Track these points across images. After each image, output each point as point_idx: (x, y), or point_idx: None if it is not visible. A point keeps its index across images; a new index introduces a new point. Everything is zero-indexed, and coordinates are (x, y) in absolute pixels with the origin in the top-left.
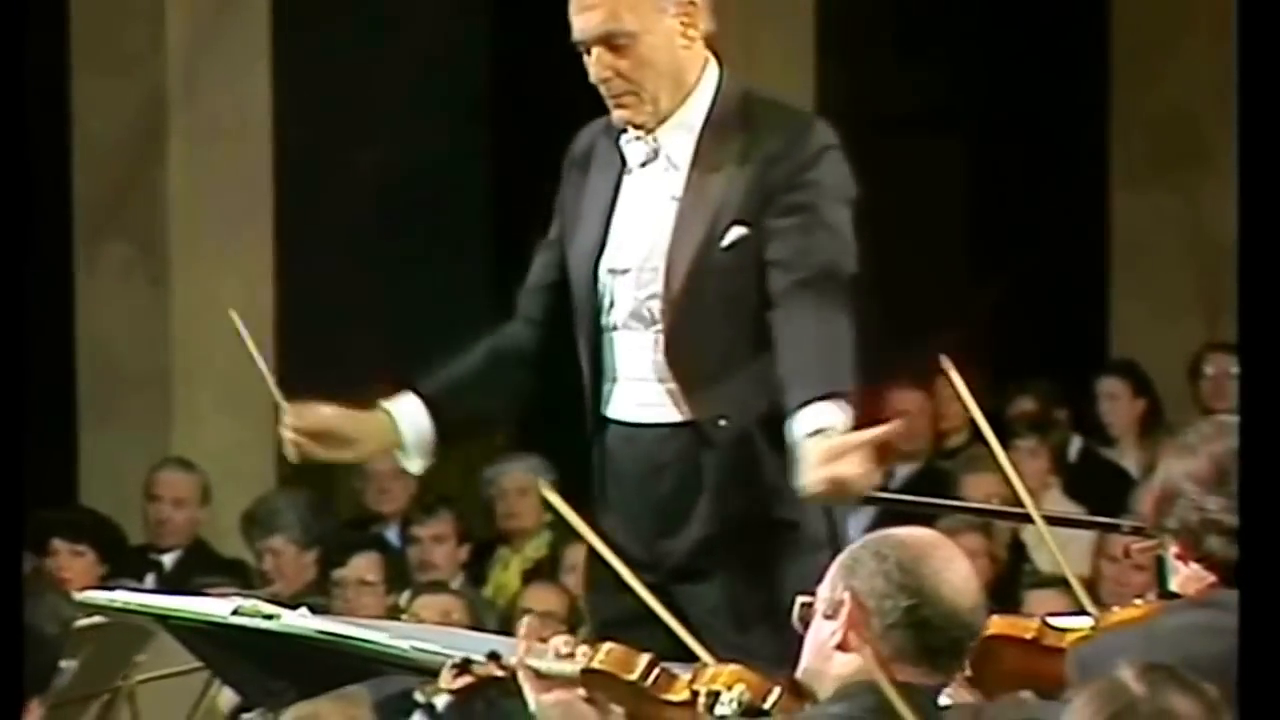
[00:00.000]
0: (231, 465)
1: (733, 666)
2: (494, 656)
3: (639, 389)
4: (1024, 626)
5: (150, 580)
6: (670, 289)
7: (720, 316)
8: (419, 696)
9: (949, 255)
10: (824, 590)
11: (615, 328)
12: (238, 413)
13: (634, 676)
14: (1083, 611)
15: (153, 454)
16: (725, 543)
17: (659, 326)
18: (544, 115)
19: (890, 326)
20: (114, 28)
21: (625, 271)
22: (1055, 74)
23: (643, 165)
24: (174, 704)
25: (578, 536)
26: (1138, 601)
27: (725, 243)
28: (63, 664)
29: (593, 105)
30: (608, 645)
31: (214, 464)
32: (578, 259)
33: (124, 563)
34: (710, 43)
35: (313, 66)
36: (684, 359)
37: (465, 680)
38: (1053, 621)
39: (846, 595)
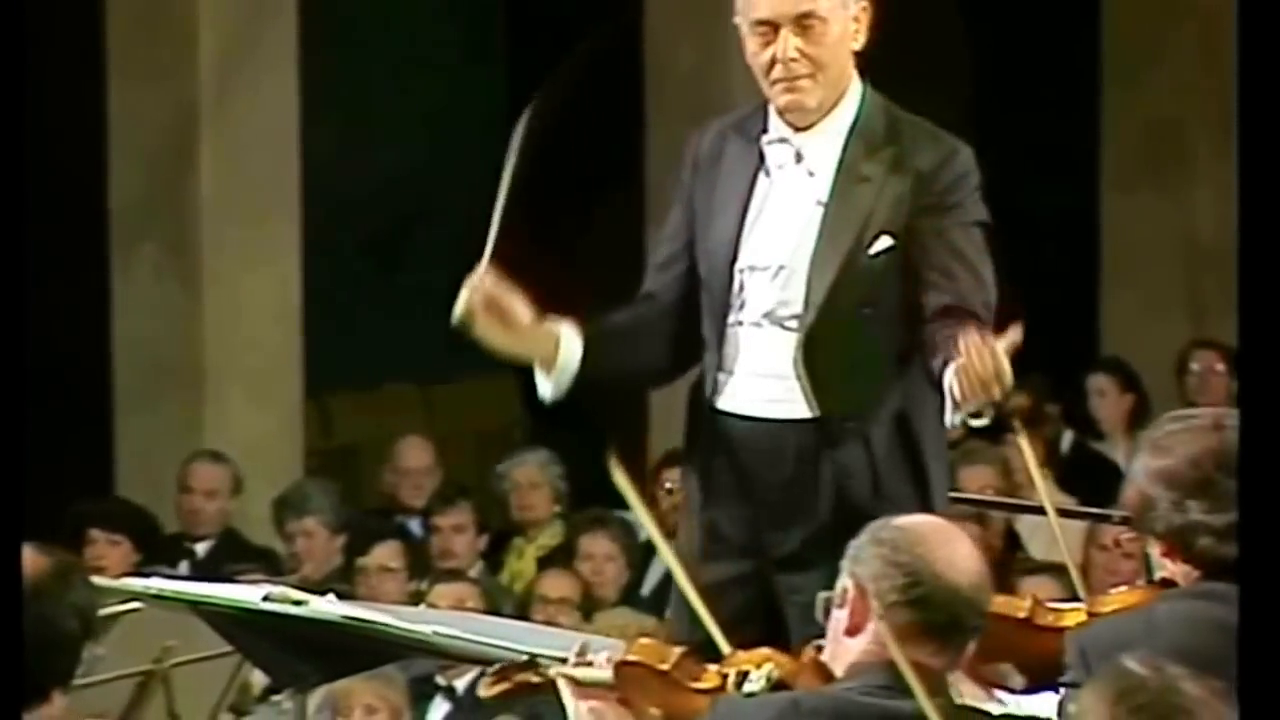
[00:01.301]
0: (260, 458)
1: (763, 650)
2: (532, 663)
3: (766, 384)
4: (1016, 605)
5: (184, 567)
6: (814, 291)
7: (859, 321)
8: (440, 680)
9: None
10: (838, 583)
11: (744, 324)
12: (267, 407)
13: (667, 666)
14: (1074, 598)
15: (186, 447)
16: (835, 539)
17: (797, 326)
18: (559, 122)
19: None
20: (148, 39)
21: (765, 269)
22: (1048, 83)
23: (781, 168)
24: (207, 686)
25: (599, 525)
26: (1123, 588)
27: (872, 251)
28: (86, 654)
29: (602, 115)
30: (641, 639)
31: (244, 457)
32: (712, 254)
33: (158, 551)
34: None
35: (338, 76)
36: (820, 360)
37: (504, 686)
38: (1044, 600)
39: (850, 583)
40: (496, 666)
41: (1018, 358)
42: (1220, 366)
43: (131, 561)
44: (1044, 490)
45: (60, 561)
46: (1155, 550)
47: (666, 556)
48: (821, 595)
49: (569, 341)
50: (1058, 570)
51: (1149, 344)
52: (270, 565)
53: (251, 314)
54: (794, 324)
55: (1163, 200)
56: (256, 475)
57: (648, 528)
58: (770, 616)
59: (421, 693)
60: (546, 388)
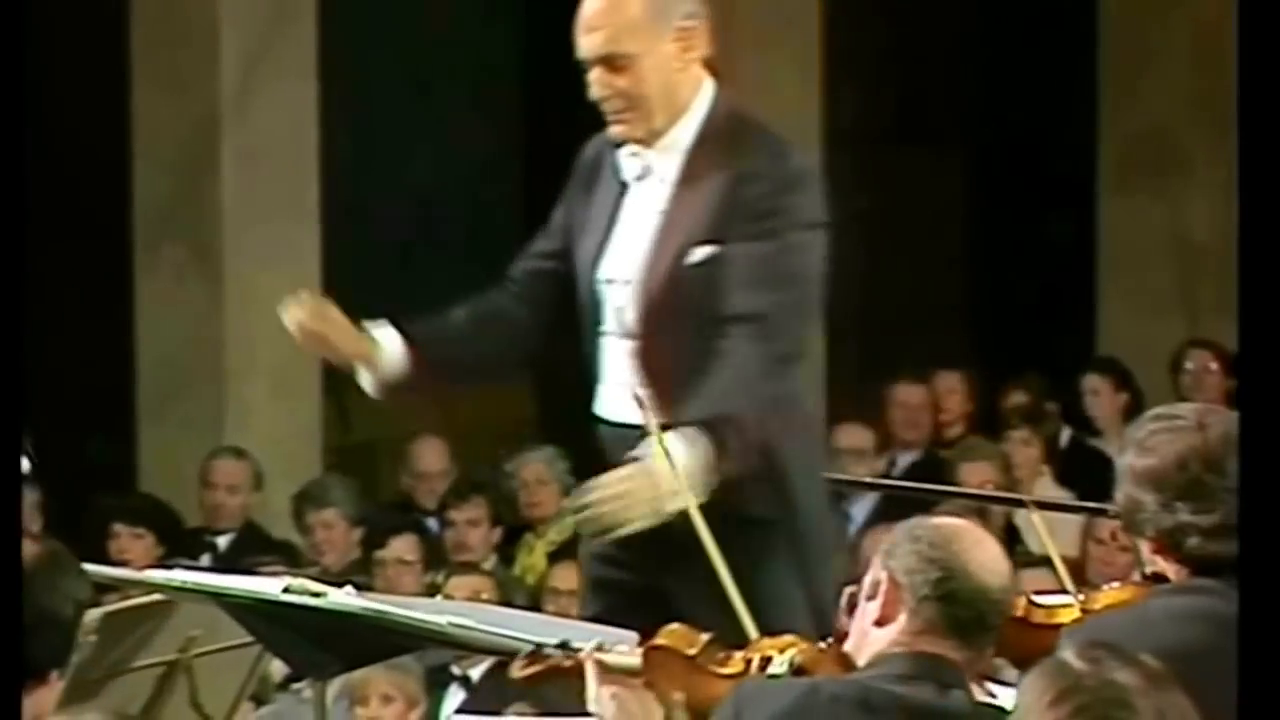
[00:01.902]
0: (280, 454)
1: (788, 636)
2: (564, 646)
3: (623, 393)
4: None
5: (206, 560)
6: (644, 301)
7: (689, 330)
8: (455, 669)
9: (949, 260)
10: (869, 576)
11: (607, 334)
12: (286, 405)
13: (694, 651)
14: (1070, 588)
15: (207, 443)
16: (684, 541)
17: (635, 335)
18: (575, 129)
19: (895, 327)
20: (171, 47)
21: (613, 282)
22: (1046, 92)
23: (638, 179)
24: (229, 675)
25: None
26: (1115, 584)
27: (694, 259)
28: (80, 639)
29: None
30: (670, 625)
31: (263, 453)
32: (582, 266)
33: (181, 544)
34: (710, 65)
35: (357, 83)
36: (654, 368)
37: (535, 668)
38: (1037, 600)
39: (884, 574)
40: (529, 649)
41: (1017, 357)
42: (1214, 365)
43: (155, 555)
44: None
45: (52, 549)
46: (1145, 549)
47: (721, 570)
48: (848, 590)
49: (389, 344)
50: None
51: (1145, 343)
52: (290, 558)
53: (272, 314)
54: (633, 334)
55: (1158, 203)
56: (276, 471)
57: (709, 549)
58: (655, 610)
59: (437, 681)
60: (367, 383)
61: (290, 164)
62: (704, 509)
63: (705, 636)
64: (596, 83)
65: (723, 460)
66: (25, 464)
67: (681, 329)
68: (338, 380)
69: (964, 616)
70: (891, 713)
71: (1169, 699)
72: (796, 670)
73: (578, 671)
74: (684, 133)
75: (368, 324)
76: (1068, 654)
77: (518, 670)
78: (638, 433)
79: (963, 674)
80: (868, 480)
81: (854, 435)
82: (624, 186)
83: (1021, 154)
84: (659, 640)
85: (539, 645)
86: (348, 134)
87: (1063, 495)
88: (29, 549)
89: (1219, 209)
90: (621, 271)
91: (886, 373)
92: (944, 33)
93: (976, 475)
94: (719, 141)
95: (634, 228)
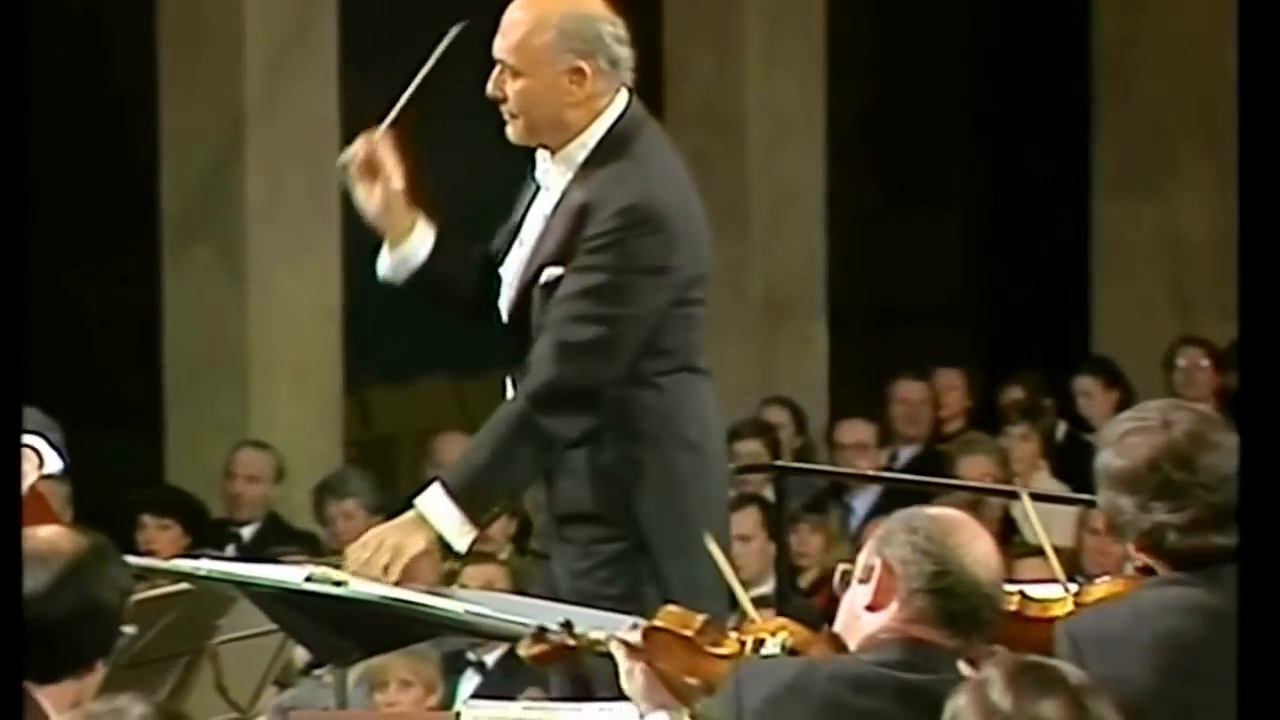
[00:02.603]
0: (302, 448)
1: (779, 619)
2: (568, 626)
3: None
4: (1007, 599)
5: (230, 550)
6: (510, 306)
7: (534, 341)
8: (471, 655)
9: (949, 257)
10: (861, 559)
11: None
12: (308, 400)
13: (690, 632)
14: (1070, 578)
15: (232, 437)
16: (557, 524)
17: (507, 334)
18: None
19: (896, 326)
20: (197, 54)
21: (506, 280)
22: (1043, 95)
23: (543, 186)
24: (253, 662)
25: None
26: (1107, 578)
27: (541, 280)
28: (125, 629)
29: None
30: (667, 607)
31: (286, 446)
32: (497, 260)
33: (206, 535)
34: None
35: (377, 88)
36: (512, 368)
37: (541, 648)
38: (1030, 592)
39: (878, 561)
40: (535, 628)
41: (1015, 354)
42: (1205, 362)
43: (181, 545)
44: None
45: (97, 541)
46: (1130, 549)
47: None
48: (841, 567)
49: (423, 234)
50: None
51: (1138, 340)
52: (311, 548)
53: (294, 312)
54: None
55: (1152, 204)
56: (298, 464)
57: (732, 585)
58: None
59: (453, 667)
60: (384, 266)
61: (312, 165)
62: (556, 501)
63: (701, 618)
64: (492, 82)
65: (471, 513)
66: (56, 459)
67: (530, 340)
68: (359, 375)
69: (957, 609)
70: (886, 692)
71: (1097, 713)
72: (790, 652)
73: (583, 651)
74: (578, 151)
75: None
76: (994, 687)
77: (524, 650)
78: None
79: (954, 660)
80: (870, 474)
81: (857, 430)
82: (536, 190)
83: (1020, 155)
84: (657, 622)
85: (543, 627)
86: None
87: (1059, 488)
88: (73, 541)
89: (1210, 210)
90: (509, 273)
91: (888, 370)
92: (942, 37)
93: (975, 469)
94: (596, 167)
95: (527, 232)
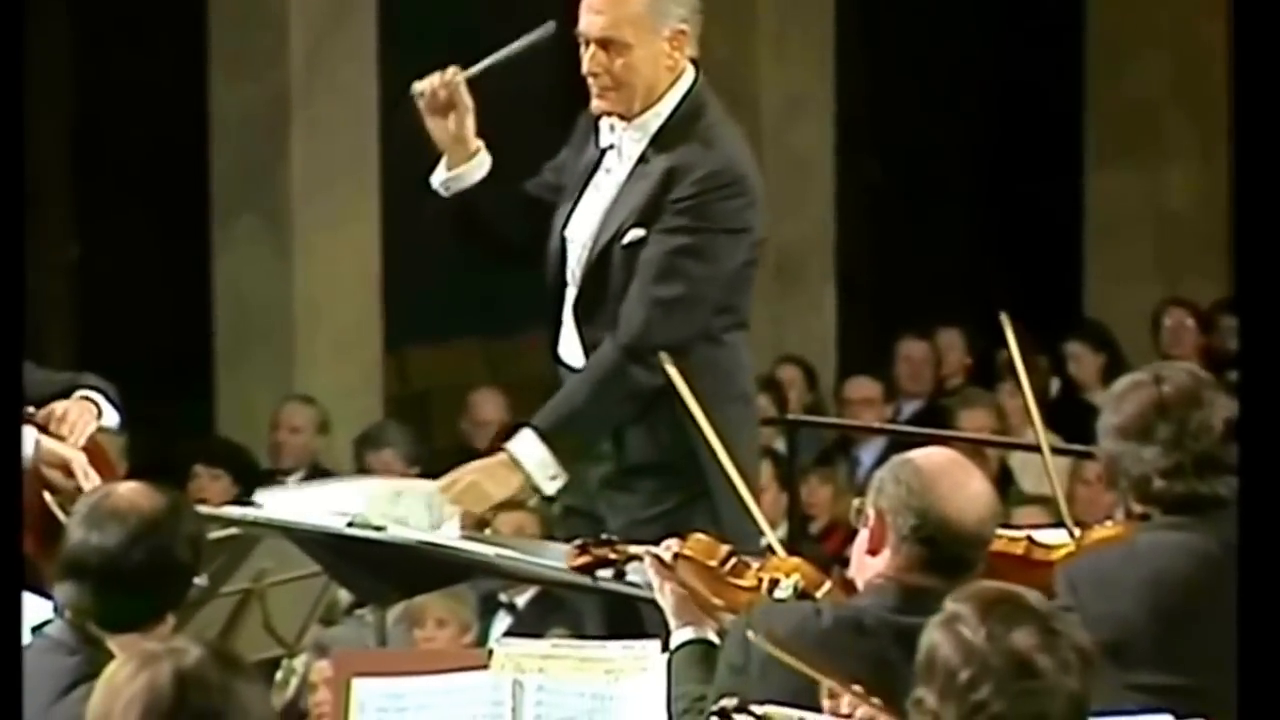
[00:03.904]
0: (344, 403)
1: (795, 559)
2: (609, 541)
3: (571, 338)
4: (1013, 542)
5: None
6: (586, 265)
7: (614, 300)
8: (502, 597)
9: (950, 226)
10: (864, 502)
11: (568, 284)
12: (349, 359)
13: (715, 562)
14: (1060, 524)
15: (278, 392)
16: (623, 475)
17: (577, 291)
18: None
19: (901, 288)
20: (245, 35)
21: (572, 241)
22: (1038, 74)
23: (612, 149)
24: (298, 603)
25: None
26: (1108, 523)
27: (625, 240)
28: (197, 580)
29: None
30: (695, 535)
31: (329, 402)
32: (556, 221)
33: (254, 483)
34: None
35: (413, 67)
36: (584, 325)
37: (585, 559)
38: (1036, 537)
39: (873, 511)
40: (579, 541)
41: (1012, 315)
42: (1189, 322)
43: (231, 494)
44: (1043, 434)
45: (174, 497)
46: (1125, 498)
47: (726, 463)
48: (855, 502)
49: (481, 160)
50: (1045, 501)
51: (1127, 302)
52: None
53: (336, 276)
54: (576, 289)
55: (1139, 176)
56: (341, 418)
57: (705, 430)
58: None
59: (487, 608)
60: (438, 178)
61: (353, 139)
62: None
63: (725, 549)
64: (590, 60)
65: (561, 457)
66: (113, 413)
67: (611, 297)
68: (397, 336)
69: (943, 556)
70: (884, 635)
71: (1068, 639)
72: (801, 594)
73: (621, 563)
74: (654, 119)
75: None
76: (967, 623)
77: (570, 560)
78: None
79: (941, 598)
80: (876, 426)
81: (864, 387)
82: (601, 153)
83: (1017, 131)
84: (685, 550)
85: (586, 540)
86: (406, 111)
87: (1052, 440)
88: (150, 499)
89: (1194, 181)
90: (578, 233)
91: (893, 331)
92: (943, 20)
93: (974, 421)
94: (674, 134)
95: (596, 195)
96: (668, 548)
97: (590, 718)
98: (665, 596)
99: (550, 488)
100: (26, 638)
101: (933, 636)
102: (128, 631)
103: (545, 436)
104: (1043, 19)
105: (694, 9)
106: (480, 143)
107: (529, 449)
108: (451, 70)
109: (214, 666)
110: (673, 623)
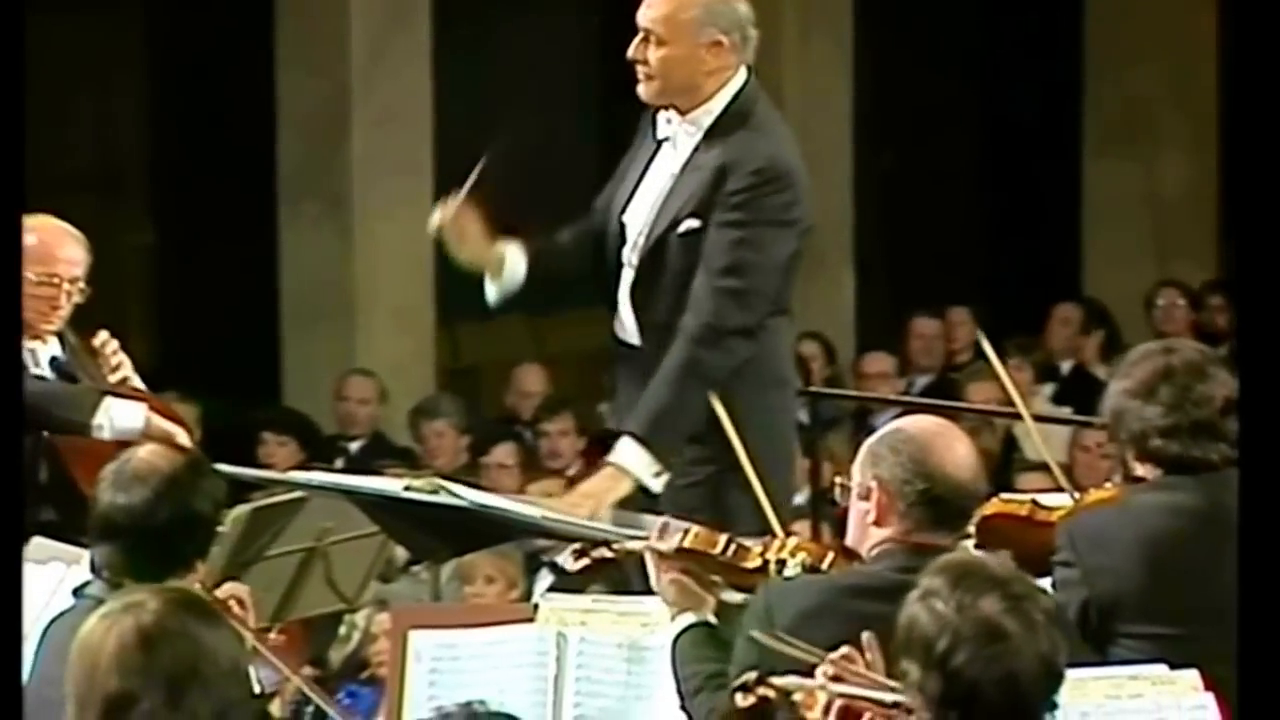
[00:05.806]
0: (401, 376)
1: (796, 539)
2: (605, 544)
3: (627, 318)
4: (1018, 505)
5: (339, 463)
6: (644, 250)
7: (669, 284)
8: (546, 556)
9: (959, 211)
10: (855, 475)
11: (624, 266)
12: (406, 335)
13: (717, 551)
14: (1060, 489)
15: (340, 366)
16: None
17: (634, 274)
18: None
19: (914, 269)
20: (309, 33)
21: (629, 226)
22: (1040, 68)
23: (668, 140)
24: (358, 560)
25: None
26: (1108, 485)
27: (680, 229)
28: (220, 529)
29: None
30: (694, 528)
31: (387, 375)
32: (614, 207)
33: (319, 450)
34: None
35: (465, 64)
36: (641, 307)
37: (584, 562)
38: (1041, 501)
39: (874, 483)
40: (576, 545)
41: (1014, 297)
42: (1181, 301)
43: (297, 459)
44: (1023, 407)
45: (193, 456)
46: (1125, 454)
47: (756, 487)
48: (838, 480)
49: (513, 259)
50: (1048, 468)
51: (1122, 283)
52: (410, 462)
53: (394, 257)
54: (633, 273)
55: (1134, 165)
56: (398, 390)
57: (744, 465)
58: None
59: (532, 566)
60: (491, 295)
61: (410, 130)
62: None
63: (723, 536)
64: (634, 46)
65: (660, 455)
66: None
67: (665, 281)
68: (449, 313)
69: (948, 512)
70: (899, 594)
71: (1033, 601)
72: (808, 569)
73: (621, 561)
74: (705, 116)
75: (501, 240)
76: (939, 597)
77: (570, 563)
78: (636, 352)
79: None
80: (890, 398)
81: (879, 362)
82: (658, 145)
83: (1019, 126)
84: (686, 544)
85: (583, 544)
86: (459, 104)
87: (1060, 411)
88: (169, 459)
89: (1186, 168)
90: (635, 219)
91: (906, 309)
92: (956, 23)
93: (981, 394)
94: (727, 131)
95: (653, 182)
96: (663, 528)
97: (628, 666)
98: (663, 587)
99: (656, 485)
100: (51, 610)
101: (910, 611)
102: (160, 580)
103: (641, 440)
104: (1044, 21)
105: (738, 25)
106: (504, 243)
107: (631, 455)
108: (451, 203)
109: (175, 616)
110: (672, 610)
